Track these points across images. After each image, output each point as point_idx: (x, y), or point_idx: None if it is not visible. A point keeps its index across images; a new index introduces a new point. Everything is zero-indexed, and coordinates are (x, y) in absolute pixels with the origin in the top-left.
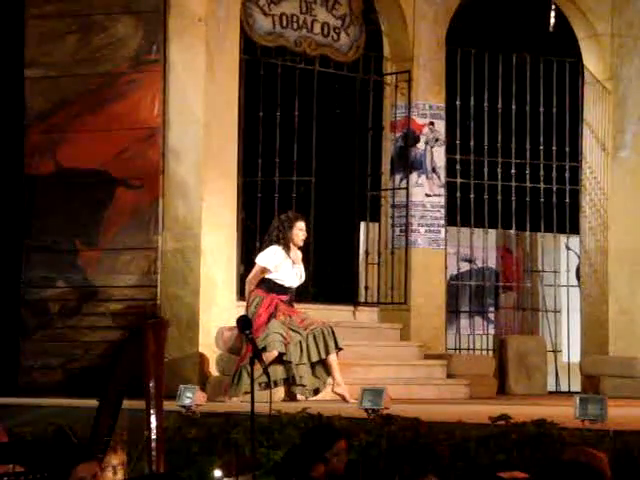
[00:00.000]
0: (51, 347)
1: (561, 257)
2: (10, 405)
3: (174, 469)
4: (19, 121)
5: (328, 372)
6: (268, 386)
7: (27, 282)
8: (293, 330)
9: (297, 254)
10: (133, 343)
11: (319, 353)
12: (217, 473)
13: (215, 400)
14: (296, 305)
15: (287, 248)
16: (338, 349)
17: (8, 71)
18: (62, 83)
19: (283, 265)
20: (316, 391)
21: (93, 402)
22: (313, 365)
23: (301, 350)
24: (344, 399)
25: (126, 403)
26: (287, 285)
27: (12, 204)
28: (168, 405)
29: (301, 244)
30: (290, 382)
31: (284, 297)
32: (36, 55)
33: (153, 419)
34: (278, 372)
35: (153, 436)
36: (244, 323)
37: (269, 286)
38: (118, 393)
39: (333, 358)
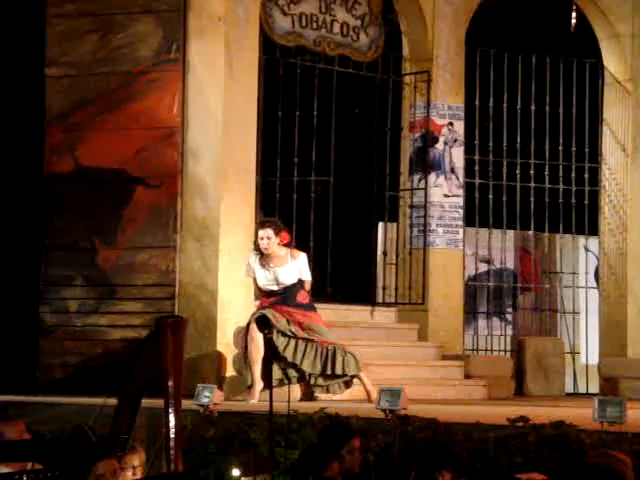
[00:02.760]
0: (70, 345)
1: (580, 258)
2: (29, 403)
3: (192, 468)
4: (39, 120)
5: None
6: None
7: (46, 280)
8: (283, 333)
9: (280, 257)
10: (152, 342)
11: (313, 366)
12: (235, 472)
13: (233, 399)
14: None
15: (262, 253)
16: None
17: (28, 70)
18: (82, 82)
19: (256, 271)
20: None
21: (112, 401)
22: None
23: (295, 348)
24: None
25: (145, 402)
26: (264, 289)
27: (32, 203)
28: (186, 404)
29: (264, 251)
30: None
31: (271, 299)
32: (56, 54)
33: (171, 418)
34: (276, 370)
35: (171, 435)
36: (263, 323)
37: (261, 292)
38: (137, 392)
39: (361, 375)
